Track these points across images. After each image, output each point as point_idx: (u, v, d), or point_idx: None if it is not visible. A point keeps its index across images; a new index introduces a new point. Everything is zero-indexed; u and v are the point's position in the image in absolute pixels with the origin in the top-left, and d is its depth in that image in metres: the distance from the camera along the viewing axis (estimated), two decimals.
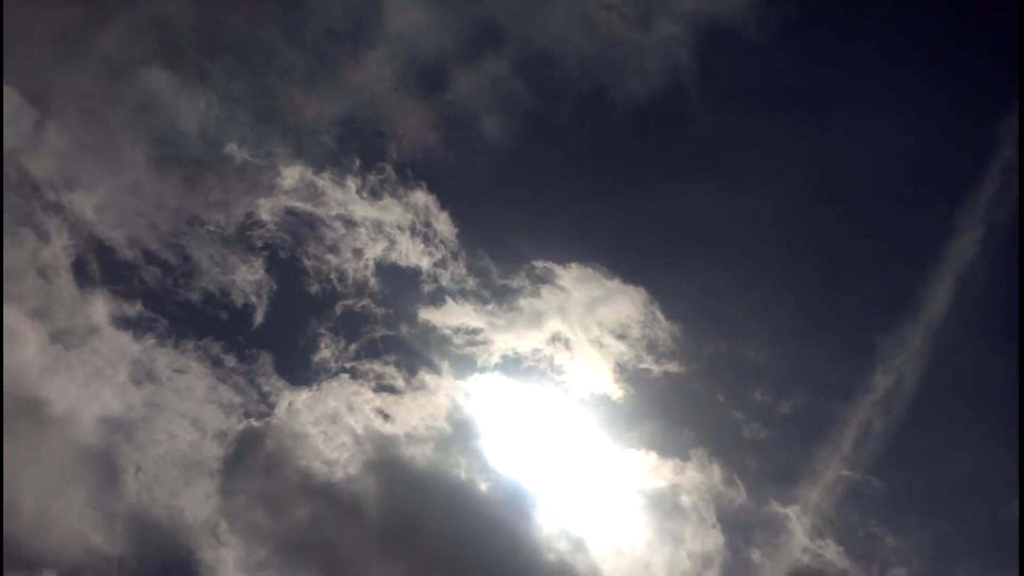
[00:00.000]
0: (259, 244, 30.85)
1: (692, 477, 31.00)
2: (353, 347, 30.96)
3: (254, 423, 29.93)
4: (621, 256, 31.84)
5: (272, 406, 30.21)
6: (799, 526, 30.75)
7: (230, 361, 30.28)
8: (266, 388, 30.30)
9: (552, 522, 30.08)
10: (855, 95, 33.40)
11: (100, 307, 29.56)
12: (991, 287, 31.50)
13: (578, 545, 30.03)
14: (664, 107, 32.82)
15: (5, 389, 27.32)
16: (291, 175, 30.60)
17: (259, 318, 30.56)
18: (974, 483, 31.19)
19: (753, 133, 33.15)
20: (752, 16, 32.55)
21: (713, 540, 30.77)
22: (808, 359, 32.23)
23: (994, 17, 32.77)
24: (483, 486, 29.85)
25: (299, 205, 30.87)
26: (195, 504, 29.18)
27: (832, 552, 30.57)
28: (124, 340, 29.61)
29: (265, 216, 30.73)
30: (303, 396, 30.24)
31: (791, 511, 30.85)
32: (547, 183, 32.59)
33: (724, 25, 32.66)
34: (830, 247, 32.88)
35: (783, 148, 33.16)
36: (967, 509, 31.21)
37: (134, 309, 29.78)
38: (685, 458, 31.14)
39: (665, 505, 30.86)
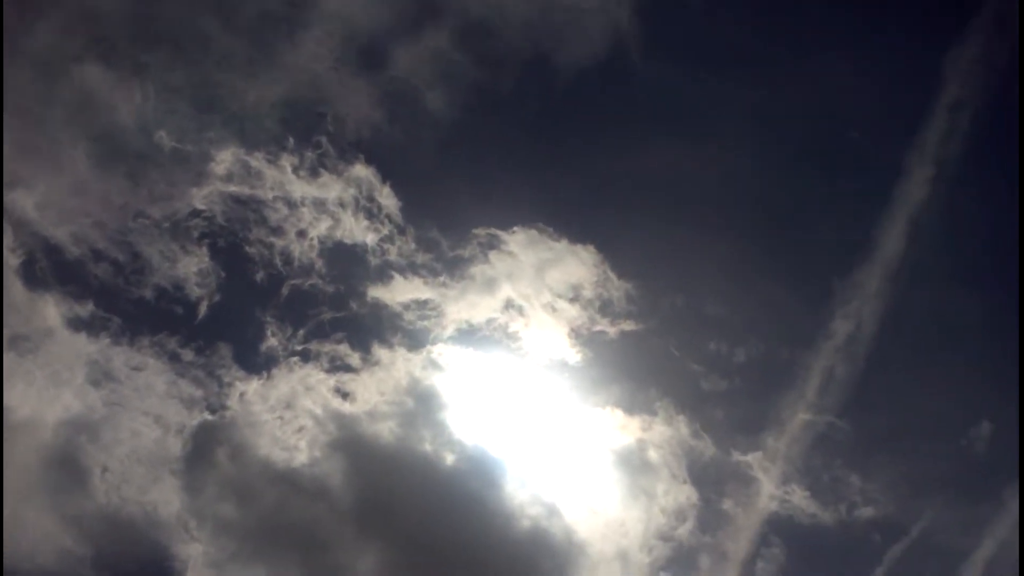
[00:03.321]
0: (201, 233, 30.37)
1: (660, 432, 31.06)
2: (303, 331, 30.68)
3: (208, 417, 29.71)
4: (567, 216, 31.65)
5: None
6: (766, 474, 30.94)
7: (187, 355, 30.08)
8: (227, 379, 30.12)
9: (524, 489, 30.03)
10: (798, 43, 33.37)
11: (52, 309, 29.21)
12: (943, 226, 31.77)
13: (552, 510, 30.00)
14: (607, 69, 32.55)
15: None
16: (226, 160, 30.06)
17: (211, 308, 30.26)
18: (939, 420, 31.66)
19: (697, 87, 33.11)
20: None
21: (685, 494, 30.92)
22: (766, 308, 32.45)
23: None
24: (450, 459, 29.67)
25: (237, 189, 30.39)
26: (166, 500, 29.05)
27: (799, 497, 30.86)
28: (79, 341, 29.31)
29: (204, 204, 30.26)
30: (254, 385, 29.96)
31: (755, 459, 31.04)
32: (492, 152, 32.41)
33: None
34: (780, 195, 32.92)
35: (728, 101, 33.06)
36: (933, 446, 31.69)
37: (86, 309, 29.47)
38: (652, 413, 31.23)
39: (635, 462, 30.91)
